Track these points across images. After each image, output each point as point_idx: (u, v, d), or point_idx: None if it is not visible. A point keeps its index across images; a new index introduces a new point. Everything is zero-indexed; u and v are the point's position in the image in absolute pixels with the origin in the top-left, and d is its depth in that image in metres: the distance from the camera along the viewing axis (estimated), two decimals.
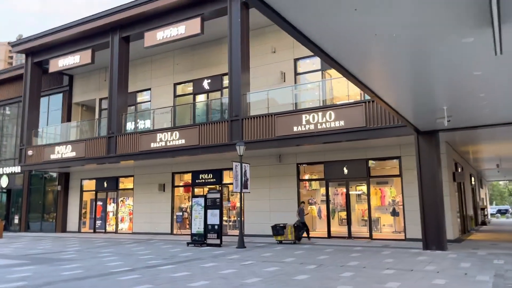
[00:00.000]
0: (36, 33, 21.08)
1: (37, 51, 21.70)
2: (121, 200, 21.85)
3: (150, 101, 20.93)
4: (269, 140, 14.40)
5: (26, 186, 25.19)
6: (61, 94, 24.45)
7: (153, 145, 17.20)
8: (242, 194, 14.26)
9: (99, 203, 22.55)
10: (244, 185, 13.78)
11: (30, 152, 21.01)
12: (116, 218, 21.64)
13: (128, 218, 21.54)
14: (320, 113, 13.55)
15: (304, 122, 13.79)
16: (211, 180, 18.69)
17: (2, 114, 28.31)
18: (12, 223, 25.72)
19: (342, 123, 13.14)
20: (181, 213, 19.19)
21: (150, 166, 20.33)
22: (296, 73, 17.03)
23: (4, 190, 26.63)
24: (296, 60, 17.06)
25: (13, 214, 25.97)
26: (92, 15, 19.15)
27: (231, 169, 17.86)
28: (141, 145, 17.47)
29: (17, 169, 25.42)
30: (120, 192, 21.84)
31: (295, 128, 13.93)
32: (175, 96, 20.37)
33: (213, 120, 17.11)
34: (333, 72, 16.33)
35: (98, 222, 22.30)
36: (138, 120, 19.98)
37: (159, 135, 17.06)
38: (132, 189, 21.19)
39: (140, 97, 21.72)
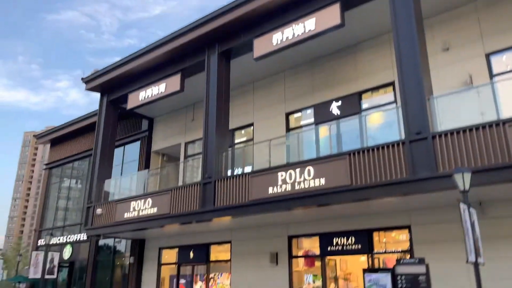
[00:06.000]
0: (113, 62, 17.21)
1: (114, 85, 17.70)
2: (212, 278, 15.82)
3: (252, 139, 15.60)
4: None
5: (92, 258, 20.13)
6: (138, 142, 20.07)
7: (272, 190, 11.41)
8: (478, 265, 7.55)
9: (182, 281, 16.65)
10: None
11: (99, 211, 16.09)
12: None
13: None
14: None
15: None
16: (353, 247, 12.25)
17: (71, 170, 24.52)
18: None
19: None
20: None
21: (254, 227, 14.45)
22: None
23: (66, 264, 21.75)
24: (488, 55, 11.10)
25: None
26: (181, 28, 14.78)
27: (383, 229, 11.64)
28: (254, 192, 11.75)
29: (83, 236, 20.70)
30: (211, 266, 15.88)
31: None
32: (288, 129, 14.91)
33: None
34: None
35: None
36: (236, 168, 14.56)
37: (282, 175, 11.29)
38: (228, 261, 15.19)
39: (238, 136, 16.54)
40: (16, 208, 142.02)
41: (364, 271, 7.75)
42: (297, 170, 11.01)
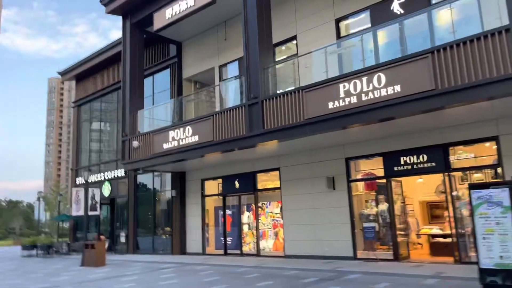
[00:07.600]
0: None
1: (137, 5, 15.84)
2: (260, 207, 14.93)
3: (296, 54, 13.76)
4: None
5: (132, 193, 19.62)
6: (167, 70, 18.54)
7: (332, 105, 9.84)
8: None
9: (228, 212, 15.90)
10: None
11: (135, 144, 15.05)
12: (257, 234, 14.70)
13: (273, 234, 14.49)
14: None
15: None
16: (426, 165, 10.77)
17: (100, 108, 23.49)
18: (118, 242, 20.31)
19: None
20: (373, 224, 11.56)
21: (305, 151, 13.15)
22: None
23: (107, 201, 21.46)
24: None
25: (119, 230, 20.59)
26: None
27: (462, 143, 10.06)
28: (310, 109, 10.21)
29: (120, 172, 20.07)
30: (258, 195, 14.93)
31: None
32: (339, 38, 12.94)
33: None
34: None
35: (229, 240, 15.61)
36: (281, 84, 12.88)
37: (344, 86, 9.63)
38: (277, 188, 14.14)
39: (278, 54, 14.70)
40: (51, 153, 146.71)
41: (471, 187, 6.34)
42: (364, 78, 9.31)
